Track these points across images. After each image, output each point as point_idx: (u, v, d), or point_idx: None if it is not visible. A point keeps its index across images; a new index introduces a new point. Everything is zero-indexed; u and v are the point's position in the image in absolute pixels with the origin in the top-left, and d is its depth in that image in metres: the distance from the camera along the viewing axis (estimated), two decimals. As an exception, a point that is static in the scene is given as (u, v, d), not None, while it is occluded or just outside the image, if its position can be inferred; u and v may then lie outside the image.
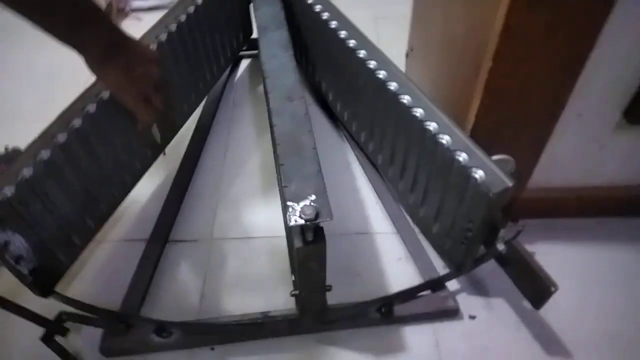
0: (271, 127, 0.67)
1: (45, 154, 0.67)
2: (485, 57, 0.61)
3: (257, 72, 1.29)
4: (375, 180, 0.97)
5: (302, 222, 0.53)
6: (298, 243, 0.56)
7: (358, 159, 1.02)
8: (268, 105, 0.69)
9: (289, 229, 0.68)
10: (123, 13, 1.55)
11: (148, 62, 0.69)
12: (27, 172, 0.65)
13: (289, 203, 0.55)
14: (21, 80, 1.32)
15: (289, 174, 0.58)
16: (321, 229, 0.57)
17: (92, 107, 0.73)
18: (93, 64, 0.63)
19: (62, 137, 0.69)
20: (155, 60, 0.71)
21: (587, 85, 0.67)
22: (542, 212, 0.88)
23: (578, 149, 0.79)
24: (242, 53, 1.25)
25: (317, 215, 0.53)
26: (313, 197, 0.56)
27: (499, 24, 0.56)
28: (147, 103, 0.72)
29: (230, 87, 1.23)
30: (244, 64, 1.31)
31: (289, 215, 0.54)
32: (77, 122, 0.71)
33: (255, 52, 1.27)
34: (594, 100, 0.71)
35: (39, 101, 1.22)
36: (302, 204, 0.55)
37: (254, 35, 1.23)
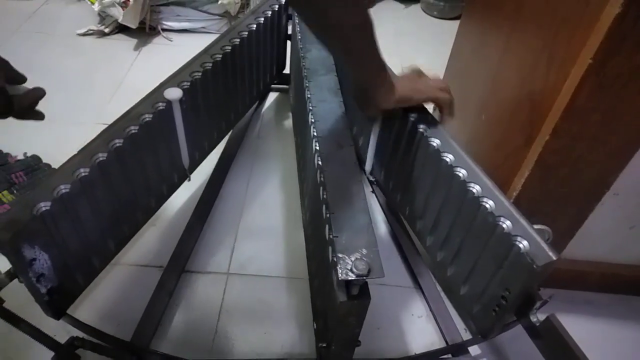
0: (300, 165, 0.66)
1: (84, 171, 0.65)
2: (542, 131, 0.61)
3: (284, 105, 1.29)
4: (398, 229, 0.96)
5: (353, 277, 0.52)
6: (342, 297, 0.54)
7: (380, 204, 1.01)
8: (316, 147, 0.68)
9: (329, 280, 0.66)
10: (155, 32, 1.56)
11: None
12: (64, 188, 0.63)
13: (340, 255, 0.54)
14: (48, 85, 1.31)
15: (340, 224, 0.57)
16: (367, 285, 0.55)
17: (134, 128, 0.72)
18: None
19: (102, 155, 0.68)
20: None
21: (628, 167, 0.68)
22: (564, 283, 0.88)
23: (609, 226, 0.80)
24: (271, 86, 1.25)
25: (369, 271, 0.52)
26: (364, 250, 0.54)
27: (563, 101, 0.57)
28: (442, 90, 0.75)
29: (257, 118, 1.23)
30: (272, 96, 1.31)
31: (340, 269, 0.52)
32: (118, 142, 0.70)
33: (285, 86, 1.28)
34: (632, 181, 0.72)
35: (64, 107, 1.21)
36: (353, 257, 0.54)
37: (286, 70, 1.24)
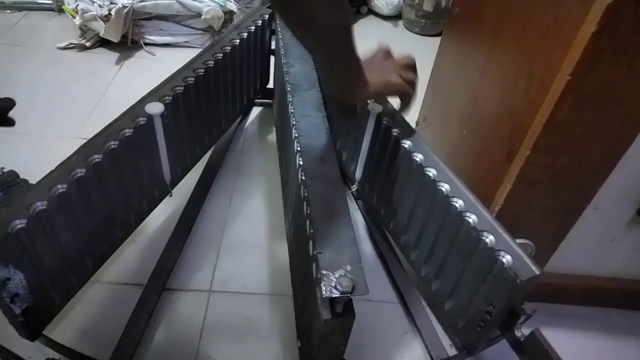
0: (283, 180, 0.66)
1: (61, 187, 0.64)
2: (523, 146, 0.62)
3: (268, 120, 1.29)
4: (383, 244, 0.96)
5: (337, 294, 0.51)
6: (326, 314, 0.54)
7: (365, 218, 1.01)
8: (299, 162, 0.68)
9: (312, 297, 0.65)
10: (137, 46, 1.55)
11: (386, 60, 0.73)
12: (40, 204, 0.61)
13: (323, 272, 0.53)
14: (27, 99, 1.28)
15: (324, 240, 0.57)
16: (351, 302, 0.54)
17: (114, 143, 0.70)
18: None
19: (80, 171, 0.66)
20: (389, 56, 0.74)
21: (608, 181, 0.69)
22: (548, 296, 0.88)
23: (590, 240, 0.81)
24: (255, 100, 1.25)
25: (353, 288, 0.51)
26: (348, 267, 0.54)
27: (543, 116, 0.58)
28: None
29: (241, 133, 1.22)
30: (256, 111, 1.31)
31: (324, 286, 0.52)
32: (97, 157, 0.68)
33: (268, 101, 1.28)
34: (612, 195, 0.73)
35: (43, 121, 1.18)
36: (337, 273, 0.53)
37: (270, 85, 1.24)
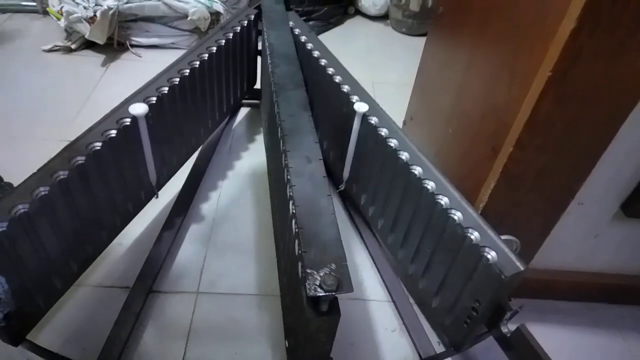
0: (271, 180, 0.65)
1: (43, 190, 0.63)
2: (506, 142, 0.62)
3: (255, 120, 1.29)
4: (371, 243, 0.96)
5: (321, 292, 0.51)
6: (311, 313, 0.53)
7: (353, 217, 1.01)
8: (285, 162, 0.68)
9: (298, 296, 0.65)
10: (123, 48, 1.54)
11: None
12: (21, 207, 0.60)
13: (308, 270, 0.53)
14: (12, 101, 1.27)
15: (308, 239, 0.56)
16: (337, 300, 0.54)
17: (97, 145, 0.70)
18: None
19: (63, 173, 0.65)
20: None
21: (592, 177, 0.70)
22: (534, 292, 0.89)
23: (575, 235, 0.81)
24: (242, 101, 1.25)
25: (338, 287, 0.51)
26: (333, 266, 0.54)
27: (526, 113, 0.58)
28: None
29: (228, 133, 1.22)
30: (243, 111, 1.30)
31: (309, 284, 0.51)
32: (80, 159, 0.68)
33: (256, 101, 1.27)
34: (596, 191, 0.74)
35: (28, 124, 1.17)
36: (322, 272, 0.53)
37: (257, 85, 1.24)
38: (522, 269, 0.62)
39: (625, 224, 0.79)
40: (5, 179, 1.00)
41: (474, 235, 0.66)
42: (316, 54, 0.97)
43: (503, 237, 0.73)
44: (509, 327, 0.68)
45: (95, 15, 1.42)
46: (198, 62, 0.90)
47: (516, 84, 0.62)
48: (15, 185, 0.88)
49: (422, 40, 1.06)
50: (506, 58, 0.66)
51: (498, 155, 0.64)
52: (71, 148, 0.69)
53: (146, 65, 1.47)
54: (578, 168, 0.64)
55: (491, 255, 0.63)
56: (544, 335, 0.85)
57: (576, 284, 0.89)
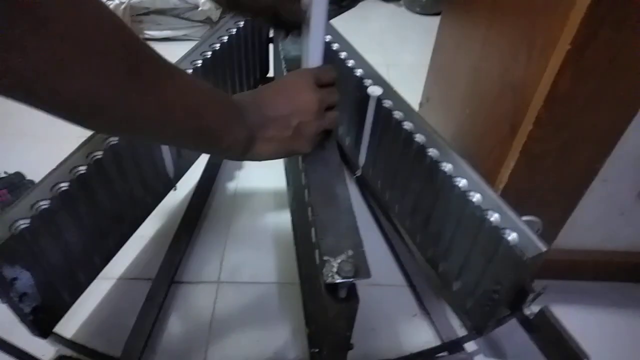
0: (287, 169, 0.65)
1: (63, 185, 0.64)
2: (525, 120, 0.61)
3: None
4: (389, 228, 0.95)
5: (339, 279, 0.51)
6: (329, 300, 0.53)
7: (368, 202, 1.00)
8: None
9: (317, 284, 0.65)
10: (136, 42, 1.55)
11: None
12: (43, 204, 0.61)
13: (325, 258, 0.52)
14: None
15: (324, 226, 0.56)
16: (355, 286, 0.54)
17: (114, 139, 0.70)
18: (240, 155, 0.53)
19: (82, 168, 0.66)
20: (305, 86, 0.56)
21: (616, 153, 0.68)
22: (558, 273, 0.87)
23: (599, 214, 0.79)
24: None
25: (355, 273, 0.51)
26: (350, 252, 0.53)
27: (544, 89, 0.56)
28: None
29: (243, 123, 1.22)
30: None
31: (326, 271, 0.51)
32: (98, 153, 0.69)
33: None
34: (620, 167, 0.71)
35: (46, 123, 1.18)
36: (339, 259, 0.52)
37: (270, 74, 1.24)
38: (544, 250, 0.60)
39: (651, 200, 0.76)
40: (28, 177, 1.02)
41: (494, 216, 0.64)
42: (328, 38, 0.96)
43: (524, 217, 0.71)
44: (532, 309, 0.66)
45: (107, 11, 1.43)
46: (210, 52, 0.90)
47: (534, 58, 0.60)
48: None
49: (436, 20, 1.03)
50: (523, 33, 0.64)
51: (517, 134, 0.63)
52: (89, 143, 0.70)
53: (160, 58, 1.47)
54: (601, 144, 0.62)
55: (512, 236, 0.62)
56: (569, 316, 0.84)
57: (601, 264, 0.87)
